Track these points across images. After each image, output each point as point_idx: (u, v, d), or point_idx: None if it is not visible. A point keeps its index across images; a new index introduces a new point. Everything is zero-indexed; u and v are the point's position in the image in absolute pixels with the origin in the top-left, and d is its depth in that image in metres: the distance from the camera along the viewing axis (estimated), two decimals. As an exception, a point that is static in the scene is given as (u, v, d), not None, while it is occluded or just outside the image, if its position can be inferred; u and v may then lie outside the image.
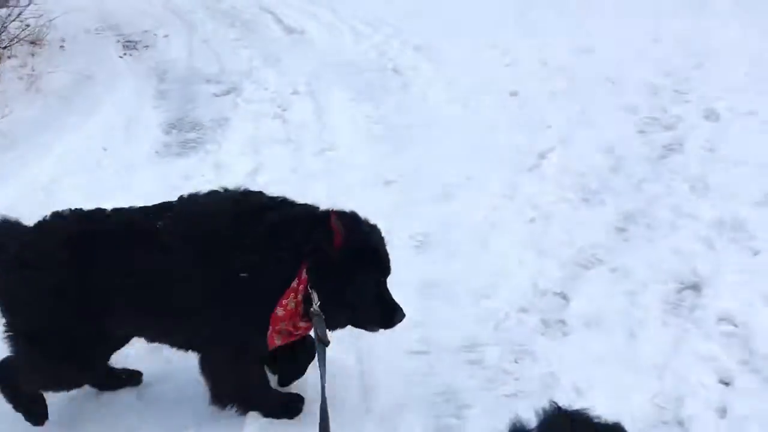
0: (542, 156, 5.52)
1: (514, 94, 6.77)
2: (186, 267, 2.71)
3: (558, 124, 6.11)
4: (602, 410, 1.84)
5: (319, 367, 2.56)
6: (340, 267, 2.68)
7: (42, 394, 3.02)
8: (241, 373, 2.92)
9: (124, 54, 9.38)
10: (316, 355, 2.65)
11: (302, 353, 3.06)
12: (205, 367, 2.92)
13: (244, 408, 2.97)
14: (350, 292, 2.73)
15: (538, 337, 3.54)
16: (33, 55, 8.78)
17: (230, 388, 2.93)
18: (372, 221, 2.87)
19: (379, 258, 2.82)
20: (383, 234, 2.89)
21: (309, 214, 2.82)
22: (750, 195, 4.69)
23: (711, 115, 6.09)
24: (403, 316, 2.85)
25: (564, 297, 3.85)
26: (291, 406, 3.03)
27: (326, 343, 2.61)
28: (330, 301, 2.69)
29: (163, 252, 2.72)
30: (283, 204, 2.87)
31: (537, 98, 6.65)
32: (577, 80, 6.98)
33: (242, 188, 2.99)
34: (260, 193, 2.97)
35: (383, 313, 2.85)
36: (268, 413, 2.99)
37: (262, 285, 2.68)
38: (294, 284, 2.67)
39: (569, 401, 2.12)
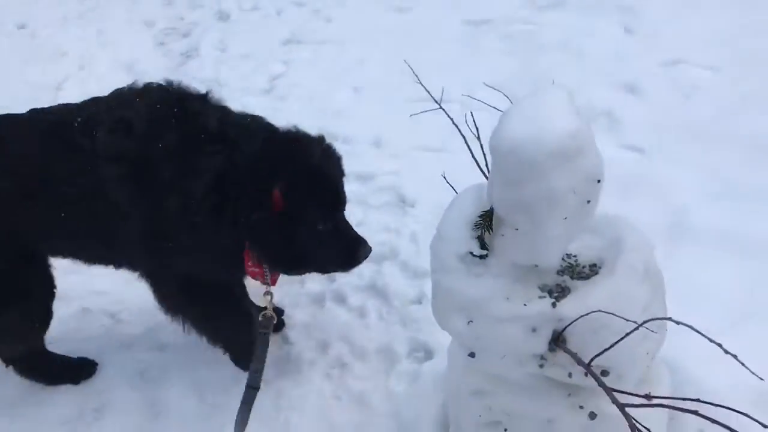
0: (59, 87, 5.31)
1: (22, 26, 6.29)
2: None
3: (75, 50, 5.89)
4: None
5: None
6: (285, 222, 2.41)
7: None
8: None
9: None
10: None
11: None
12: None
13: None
14: (299, 244, 2.46)
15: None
16: None
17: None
18: (325, 143, 2.59)
19: (328, 193, 2.52)
20: (337, 156, 2.61)
21: (252, 170, 2.39)
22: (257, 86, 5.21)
23: (223, 16, 6.46)
24: (369, 249, 2.61)
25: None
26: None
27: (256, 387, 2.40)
28: (281, 258, 2.51)
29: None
30: (225, 140, 2.42)
31: (48, 27, 6.27)
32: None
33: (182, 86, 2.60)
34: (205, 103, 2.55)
35: (342, 252, 2.59)
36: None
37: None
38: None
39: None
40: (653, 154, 3.62)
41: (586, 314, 1.72)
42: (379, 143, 4.31)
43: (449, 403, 2.34)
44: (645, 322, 1.56)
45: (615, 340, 1.73)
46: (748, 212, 3.13)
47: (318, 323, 3.08)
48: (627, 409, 1.53)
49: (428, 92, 2.96)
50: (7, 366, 2.90)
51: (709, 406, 1.38)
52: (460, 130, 2.76)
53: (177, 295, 2.65)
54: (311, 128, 2.60)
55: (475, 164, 2.59)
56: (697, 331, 1.37)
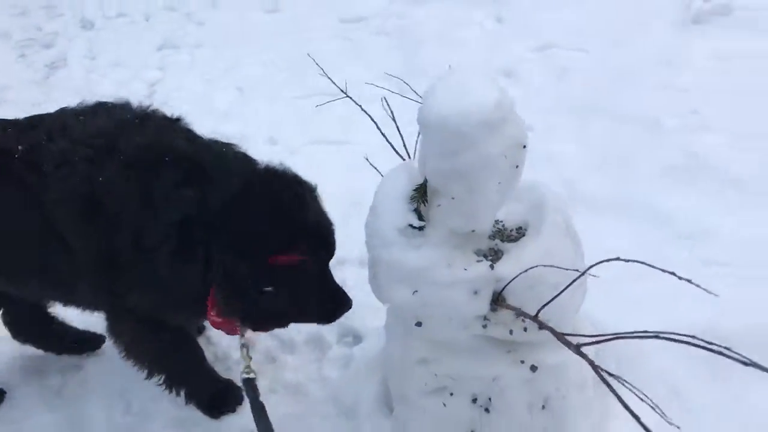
0: None
1: None
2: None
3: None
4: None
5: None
6: (275, 277, 2.10)
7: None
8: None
9: None
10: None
11: None
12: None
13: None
14: (285, 301, 2.16)
15: None
16: None
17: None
18: (309, 189, 2.27)
19: (323, 251, 2.23)
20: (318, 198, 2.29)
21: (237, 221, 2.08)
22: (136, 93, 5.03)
23: (87, 24, 6.17)
24: (350, 305, 2.36)
25: None
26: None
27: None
28: (258, 314, 2.19)
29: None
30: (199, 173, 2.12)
31: None
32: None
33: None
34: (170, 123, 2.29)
35: (326, 307, 2.33)
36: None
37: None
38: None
39: None
40: (539, 132, 3.86)
41: (525, 271, 1.85)
42: (274, 140, 4.30)
43: (390, 378, 2.40)
44: (592, 266, 1.69)
45: (551, 294, 1.88)
46: (625, 179, 3.43)
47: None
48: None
49: (333, 82, 3.01)
50: None
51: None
52: (371, 117, 2.84)
53: (132, 332, 2.40)
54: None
55: (390, 148, 2.70)
56: (669, 272, 1.49)
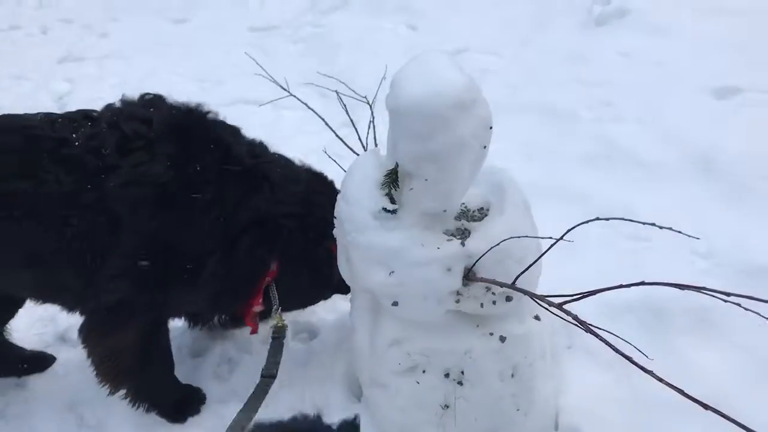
0: None
1: None
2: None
3: None
4: None
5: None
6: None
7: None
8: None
9: None
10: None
11: None
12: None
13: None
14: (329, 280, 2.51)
15: None
16: None
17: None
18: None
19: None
20: None
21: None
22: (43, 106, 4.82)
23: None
24: None
25: None
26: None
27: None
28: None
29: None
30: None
31: None
32: None
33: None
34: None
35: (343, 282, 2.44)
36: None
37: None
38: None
39: None
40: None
41: (498, 244, 1.96)
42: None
43: (358, 365, 2.44)
44: (569, 230, 1.82)
45: (517, 267, 2.00)
46: (551, 167, 3.66)
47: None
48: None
49: (275, 82, 3.06)
50: None
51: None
52: (318, 114, 2.92)
53: (123, 336, 2.34)
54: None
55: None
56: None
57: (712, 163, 3.36)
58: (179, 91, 4.97)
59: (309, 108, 2.93)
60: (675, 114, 3.70)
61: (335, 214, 2.22)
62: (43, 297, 2.44)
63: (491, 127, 1.98)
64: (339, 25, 5.64)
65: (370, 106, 3.01)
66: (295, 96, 2.99)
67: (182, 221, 2.20)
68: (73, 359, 2.79)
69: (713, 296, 1.56)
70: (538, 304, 1.88)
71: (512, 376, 2.21)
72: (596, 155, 3.60)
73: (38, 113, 2.35)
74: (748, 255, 2.88)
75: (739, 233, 3.01)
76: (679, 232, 1.65)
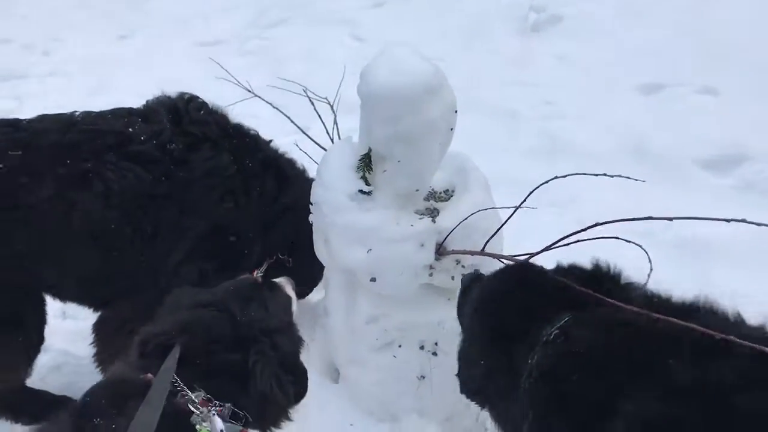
0: None
1: None
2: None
3: None
4: None
5: None
6: None
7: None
8: None
9: None
10: None
11: None
12: None
13: None
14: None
15: None
16: None
17: None
18: None
19: None
20: None
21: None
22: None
23: None
24: None
25: None
26: None
27: None
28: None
29: None
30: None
31: None
32: None
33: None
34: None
35: None
36: None
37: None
38: None
39: None
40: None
41: (465, 219, 2.14)
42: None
43: (335, 347, 2.57)
44: (529, 194, 2.00)
45: (483, 239, 2.19)
46: (496, 161, 3.87)
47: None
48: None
49: (239, 83, 3.18)
50: None
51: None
52: (285, 114, 3.06)
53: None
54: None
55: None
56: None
57: (644, 150, 3.65)
58: (127, 105, 5.07)
59: (275, 108, 3.06)
60: (610, 110, 4.00)
61: (311, 200, 2.35)
62: (96, 287, 2.49)
63: (456, 111, 2.16)
64: (284, 38, 5.78)
65: (331, 106, 3.17)
66: (259, 96, 3.11)
67: (242, 208, 2.47)
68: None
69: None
70: (506, 264, 2.05)
71: (483, 343, 2.38)
72: (540, 149, 3.84)
73: (74, 111, 2.46)
74: (678, 230, 3.15)
75: (673, 211, 3.28)
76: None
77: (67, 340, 2.95)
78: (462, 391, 1.85)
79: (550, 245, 2.02)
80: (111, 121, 2.43)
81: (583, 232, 1.90)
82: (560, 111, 4.08)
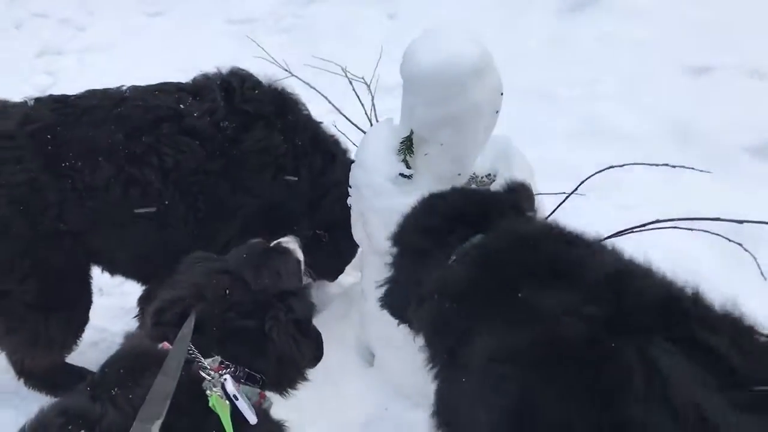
0: None
1: None
2: None
3: None
4: None
5: None
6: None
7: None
8: None
9: None
10: None
11: None
12: None
13: None
14: None
15: None
16: None
17: None
18: None
19: None
20: None
21: None
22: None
23: (-50, 33, 5.78)
24: None
25: None
26: None
27: None
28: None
29: None
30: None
31: None
32: None
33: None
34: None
35: None
36: None
37: None
38: None
39: None
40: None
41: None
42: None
43: (371, 331, 2.54)
44: (588, 178, 1.93)
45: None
46: (537, 144, 3.77)
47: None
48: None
49: (275, 61, 3.14)
50: (19, 378, 2.59)
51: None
52: (322, 94, 3.01)
53: None
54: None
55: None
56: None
57: (691, 134, 3.54)
58: (165, 81, 5.05)
59: (311, 87, 3.02)
60: (654, 91, 3.88)
61: (350, 182, 2.31)
62: (147, 261, 2.52)
63: (502, 93, 2.10)
64: (321, 15, 5.70)
65: (368, 86, 3.12)
66: (296, 76, 3.06)
67: (291, 187, 2.52)
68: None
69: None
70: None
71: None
72: (581, 132, 3.75)
73: (122, 86, 2.48)
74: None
75: (719, 199, 3.18)
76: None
77: (105, 316, 2.98)
78: (383, 307, 1.95)
79: (609, 236, 1.95)
80: (161, 96, 2.43)
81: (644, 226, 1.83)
82: (602, 93, 3.97)
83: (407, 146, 2.14)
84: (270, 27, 5.78)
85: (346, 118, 2.91)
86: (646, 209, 3.22)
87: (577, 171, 3.48)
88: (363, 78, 3.11)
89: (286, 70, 3.06)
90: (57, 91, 4.96)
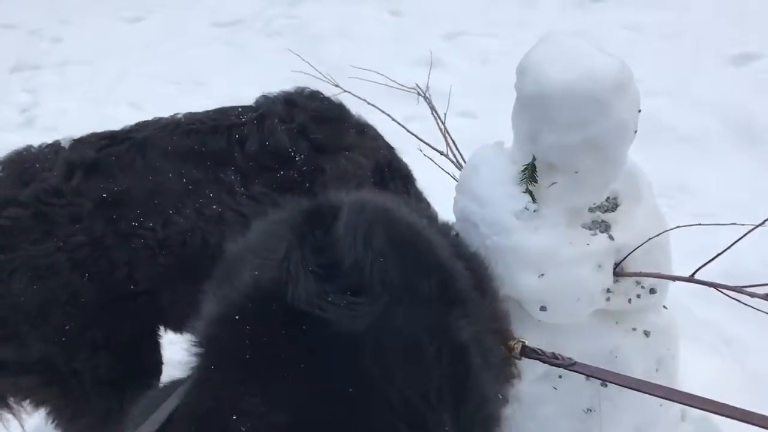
0: None
1: None
2: None
3: None
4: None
5: None
6: None
7: None
8: None
9: None
10: None
11: None
12: None
13: None
14: None
15: None
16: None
17: None
18: None
19: None
20: None
21: None
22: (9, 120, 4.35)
23: None
24: None
25: None
26: None
27: None
28: None
29: None
30: None
31: None
32: None
33: None
34: None
35: None
36: None
37: None
38: None
39: None
40: (482, 118, 3.90)
41: (658, 235, 1.84)
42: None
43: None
44: None
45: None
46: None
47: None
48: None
49: (315, 68, 2.85)
50: None
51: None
52: (380, 109, 2.71)
53: None
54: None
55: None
56: None
57: (754, 130, 3.35)
58: (157, 94, 4.66)
59: (369, 103, 2.71)
60: (702, 84, 3.68)
61: (458, 217, 2.02)
62: None
63: (640, 111, 1.84)
64: (313, 16, 5.37)
65: (425, 96, 2.83)
66: (342, 88, 2.75)
67: None
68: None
69: None
70: (721, 292, 1.75)
71: (657, 370, 2.09)
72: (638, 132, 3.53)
73: (176, 114, 2.15)
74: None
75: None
76: None
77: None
78: None
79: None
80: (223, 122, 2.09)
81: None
82: (648, 88, 3.75)
83: (530, 175, 1.87)
84: (260, 30, 5.43)
85: (414, 135, 2.61)
86: (722, 215, 3.04)
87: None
88: (417, 87, 2.83)
89: (337, 86, 2.75)
90: (42, 110, 4.59)
